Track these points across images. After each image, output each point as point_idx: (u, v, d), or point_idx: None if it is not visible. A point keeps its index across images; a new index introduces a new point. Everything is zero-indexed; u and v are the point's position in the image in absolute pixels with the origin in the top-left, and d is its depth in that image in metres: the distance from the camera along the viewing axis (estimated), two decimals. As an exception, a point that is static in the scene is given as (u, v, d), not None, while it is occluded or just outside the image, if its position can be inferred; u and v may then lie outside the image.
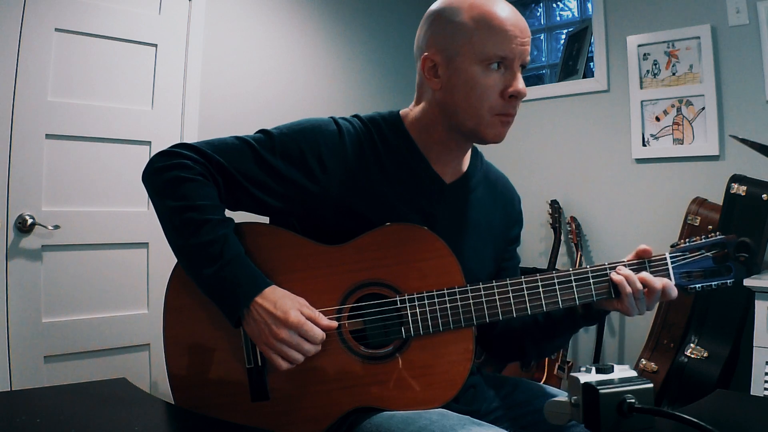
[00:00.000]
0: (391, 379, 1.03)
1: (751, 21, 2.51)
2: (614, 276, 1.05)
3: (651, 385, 0.73)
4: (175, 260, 1.06)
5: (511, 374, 2.74)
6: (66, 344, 2.22)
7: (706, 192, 2.59)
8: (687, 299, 2.40)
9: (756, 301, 2.06)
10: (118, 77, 2.36)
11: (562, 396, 0.78)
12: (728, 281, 1.08)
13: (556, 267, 2.97)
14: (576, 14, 3.40)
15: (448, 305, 1.03)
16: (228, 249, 1.00)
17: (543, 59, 3.48)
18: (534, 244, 3.21)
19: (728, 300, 2.29)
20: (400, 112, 1.15)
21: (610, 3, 2.96)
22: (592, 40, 3.09)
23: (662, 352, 2.51)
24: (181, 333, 1.07)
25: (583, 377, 0.74)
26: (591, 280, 1.06)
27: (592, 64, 3.09)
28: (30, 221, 2.13)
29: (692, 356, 2.33)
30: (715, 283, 1.08)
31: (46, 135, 2.19)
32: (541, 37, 3.49)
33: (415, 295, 1.03)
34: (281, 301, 0.99)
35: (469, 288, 1.04)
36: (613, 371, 0.74)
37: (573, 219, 2.99)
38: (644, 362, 2.53)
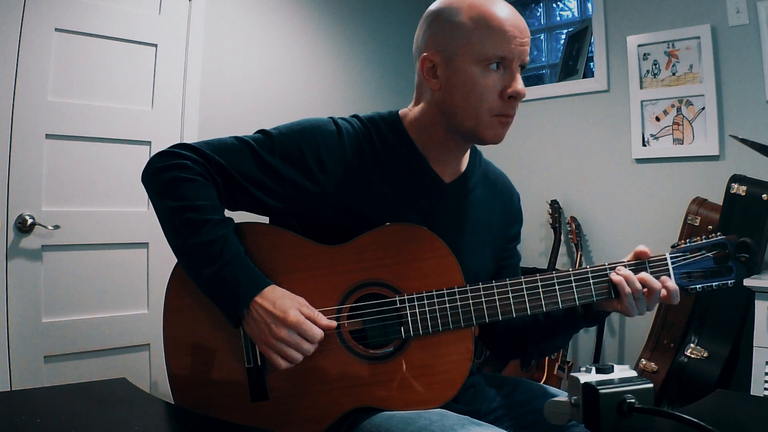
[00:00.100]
0: (390, 379, 1.03)
1: (751, 21, 2.51)
2: (614, 276, 1.04)
3: (651, 385, 0.73)
4: (175, 260, 1.06)
5: (511, 374, 2.74)
6: (66, 344, 2.22)
7: (706, 192, 2.59)
8: (687, 299, 2.40)
9: (756, 301, 2.06)
10: (118, 77, 2.36)
11: (562, 396, 0.78)
12: (729, 282, 1.08)
13: (556, 267, 2.97)
14: (576, 14, 3.40)
15: (447, 305, 1.03)
16: (227, 249, 1.00)
17: (543, 59, 3.48)
18: (534, 244, 3.21)
19: (728, 300, 2.29)
20: (399, 112, 1.15)
21: (610, 3, 2.96)
22: (592, 40, 3.09)
23: (662, 352, 2.51)
24: (181, 333, 1.07)
25: (583, 377, 0.74)
26: (591, 281, 1.05)
27: (592, 64, 3.09)
28: (30, 221, 2.14)
29: (692, 356, 2.33)
30: (716, 283, 1.08)
31: (46, 135, 2.19)
32: (541, 37, 3.49)
33: (415, 295, 1.03)
34: (280, 301, 0.99)
35: (468, 288, 1.04)
36: (613, 371, 0.74)
37: (573, 219, 2.99)
38: (644, 362, 2.53)
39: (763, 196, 2.26)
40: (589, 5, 3.15)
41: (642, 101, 2.83)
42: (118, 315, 2.35)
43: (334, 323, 1.02)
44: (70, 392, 1.14)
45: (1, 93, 2.09)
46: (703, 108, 2.65)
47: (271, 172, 1.06)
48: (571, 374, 0.76)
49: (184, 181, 1.02)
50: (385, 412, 1.01)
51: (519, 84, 1.03)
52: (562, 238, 3.03)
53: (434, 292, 1.04)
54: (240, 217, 1.10)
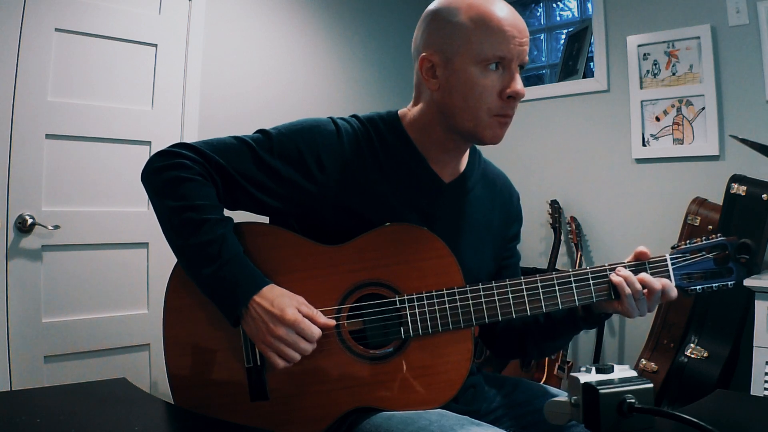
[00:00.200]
0: (390, 380, 1.03)
1: (751, 21, 2.51)
2: (614, 277, 1.04)
3: (651, 385, 0.73)
4: (175, 260, 1.06)
5: (511, 374, 2.74)
6: (66, 344, 2.22)
7: (706, 192, 2.59)
8: (687, 299, 2.40)
9: (756, 301, 2.06)
10: (118, 77, 2.36)
11: (562, 396, 0.78)
12: (729, 283, 1.08)
13: (556, 267, 2.97)
14: (576, 14, 3.40)
15: (447, 306, 1.03)
16: (226, 249, 1.00)
17: (543, 59, 3.48)
18: (534, 244, 3.21)
19: (728, 300, 2.29)
20: (399, 112, 1.15)
21: (610, 3, 2.96)
22: (592, 40, 3.09)
23: (662, 352, 2.51)
24: (181, 333, 1.07)
25: (583, 377, 0.74)
26: (591, 282, 1.05)
27: (592, 64, 3.09)
28: (30, 221, 2.14)
29: (692, 356, 2.33)
30: (716, 284, 1.07)
31: (46, 135, 2.19)
32: (541, 37, 3.49)
33: (414, 296, 1.03)
34: (279, 300, 0.99)
35: (468, 289, 1.04)
36: (613, 371, 0.74)
37: (573, 219, 2.99)
38: (644, 362, 2.53)
39: (763, 196, 2.26)
40: (589, 5, 3.15)
41: (642, 101, 2.83)
42: (118, 315, 2.35)
43: (332, 322, 1.02)
44: (70, 392, 1.14)
45: (1, 93, 2.09)
46: (703, 108, 2.65)
47: (271, 172, 1.05)
48: (571, 374, 0.76)
49: (184, 181, 1.02)
50: (384, 413, 1.01)
51: (518, 84, 1.03)
52: (562, 238, 3.03)
53: (434, 293, 1.04)
54: (240, 216, 1.10)
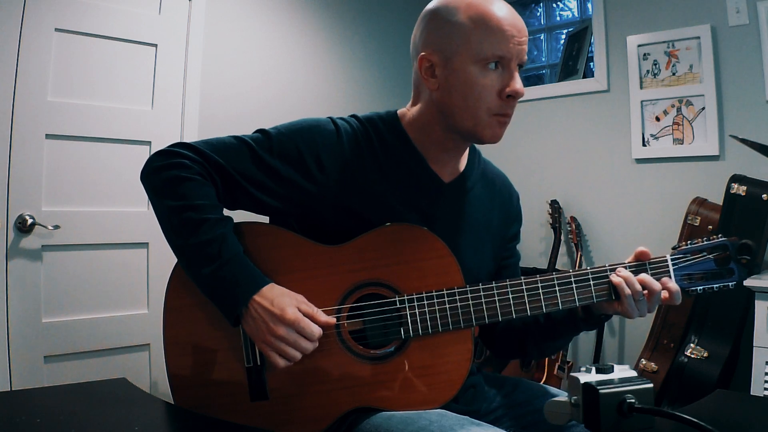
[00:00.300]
0: (390, 380, 1.03)
1: (751, 21, 2.51)
2: (614, 278, 1.04)
3: (651, 385, 0.73)
4: (175, 260, 1.06)
5: (511, 374, 2.74)
6: (66, 344, 2.22)
7: (706, 192, 2.59)
8: (687, 300, 2.40)
9: (756, 301, 2.06)
10: (118, 77, 2.36)
11: (562, 396, 0.78)
12: (730, 284, 1.07)
13: (556, 267, 2.97)
14: (576, 14, 3.40)
15: (447, 306, 1.03)
16: (226, 248, 1.00)
17: (543, 59, 3.48)
18: (534, 244, 3.21)
19: (728, 300, 2.29)
20: (398, 111, 1.15)
21: (610, 3, 2.96)
22: (592, 40, 3.09)
23: (662, 352, 2.51)
24: (181, 333, 1.07)
25: (583, 377, 0.74)
26: (591, 282, 1.05)
27: (592, 64, 3.09)
28: (30, 221, 2.14)
29: (692, 356, 2.33)
30: (717, 285, 1.07)
31: (46, 135, 2.19)
32: (541, 37, 3.49)
33: (415, 296, 1.03)
34: (279, 299, 0.99)
35: (468, 289, 1.04)
36: (613, 371, 0.74)
37: (573, 219, 2.99)
38: (644, 362, 2.53)
39: (763, 196, 2.26)
40: (589, 5, 3.15)
41: (642, 101, 2.83)
42: (118, 315, 2.35)
43: (333, 320, 1.02)
44: (70, 392, 1.14)
45: (1, 93, 2.09)
46: (703, 108, 2.65)
47: (270, 171, 1.05)
48: (571, 374, 0.76)
49: (183, 180, 1.02)
50: (384, 413, 1.01)
51: (517, 83, 1.03)
52: (562, 238, 3.03)
53: (434, 293, 1.04)
54: (240, 216, 1.10)
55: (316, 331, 0.99)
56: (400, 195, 1.10)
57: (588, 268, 1.06)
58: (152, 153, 1.07)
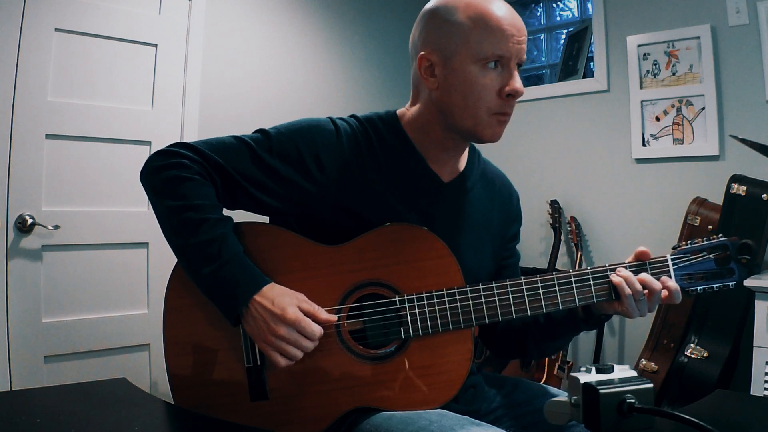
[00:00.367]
0: (390, 380, 1.03)
1: (751, 21, 2.51)
2: (614, 278, 1.04)
3: (651, 385, 0.73)
4: (175, 260, 1.06)
5: (511, 374, 2.74)
6: (66, 344, 2.22)
7: (706, 192, 2.59)
8: (687, 299, 2.40)
9: (756, 301, 2.06)
10: (118, 77, 2.36)
11: (562, 396, 0.78)
12: (730, 283, 1.07)
13: (556, 267, 2.97)
14: (576, 14, 3.40)
15: (447, 306, 1.03)
16: (226, 248, 1.00)
17: (543, 59, 3.48)
18: (534, 244, 3.21)
19: (728, 300, 2.29)
20: (397, 111, 1.15)
21: (610, 3, 2.96)
22: (592, 40, 3.09)
23: (662, 352, 2.51)
24: (181, 333, 1.07)
25: (583, 377, 0.74)
26: (591, 282, 1.05)
27: (592, 64, 3.09)
28: (30, 221, 2.14)
29: (692, 356, 2.33)
30: (717, 285, 1.07)
31: (46, 135, 2.19)
32: (541, 37, 3.49)
33: (415, 296, 1.03)
34: (279, 298, 0.99)
35: (468, 289, 1.04)
36: (613, 371, 0.74)
37: (573, 219, 2.99)
38: (644, 362, 2.53)
39: (763, 196, 2.26)
40: (589, 5, 3.15)
41: (642, 101, 2.83)
42: (118, 315, 2.35)
43: (333, 317, 1.02)
44: (70, 392, 1.14)
45: (1, 93, 2.09)
46: (703, 108, 2.65)
47: (270, 171, 1.05)
48: (571, 374, 0.76)
49: (183, 180, 1.02)
50: (384, 413, 1.01)
51: (517, 82, 1.03)
52: (562, 238, 3.03)
53: (434, 293, 1.04)
54: (240, 216, 1.10)
55: (317, 330, 0.99)
56: (399, 195, 1.10)
57: (588, 268, 1.06)
58: (152, 153, 1.07)
